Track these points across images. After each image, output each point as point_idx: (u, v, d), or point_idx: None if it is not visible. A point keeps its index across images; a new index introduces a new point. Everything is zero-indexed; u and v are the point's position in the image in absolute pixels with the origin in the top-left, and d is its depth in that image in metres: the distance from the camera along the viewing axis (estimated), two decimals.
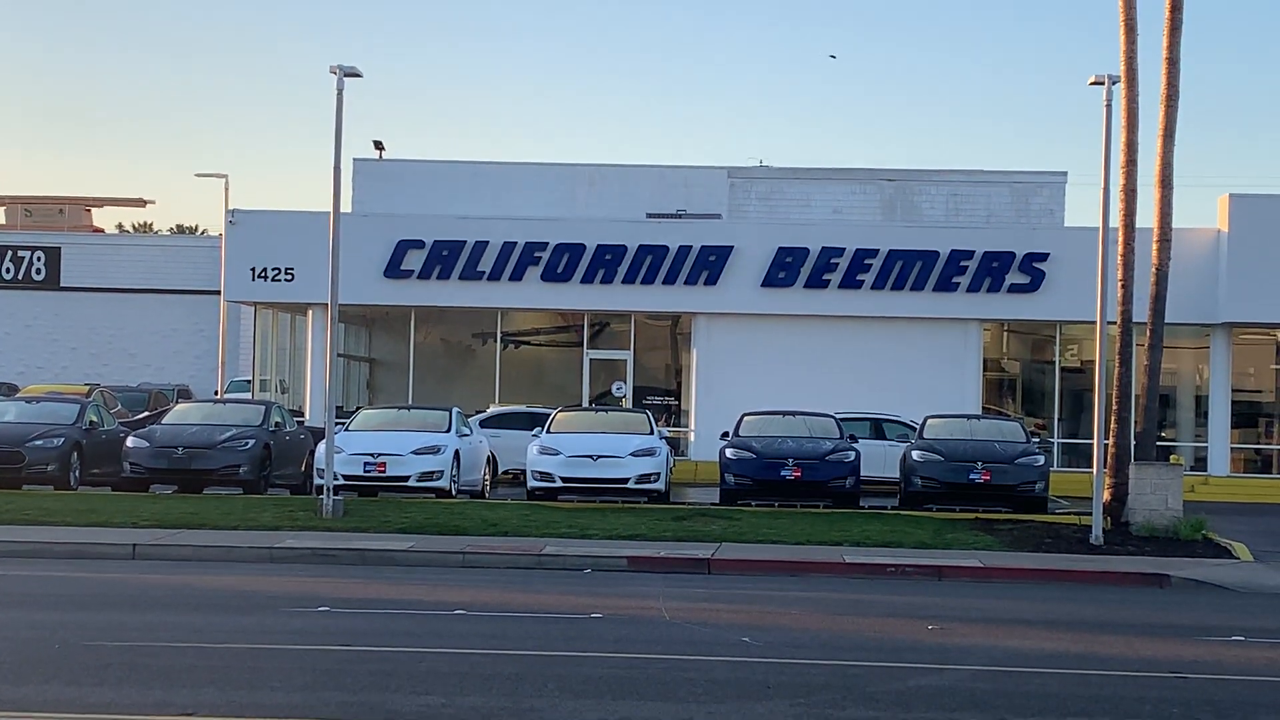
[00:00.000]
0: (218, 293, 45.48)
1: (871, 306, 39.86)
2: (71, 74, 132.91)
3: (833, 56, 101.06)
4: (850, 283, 39.75)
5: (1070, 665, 14.38)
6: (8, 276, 59.00)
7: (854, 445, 30.90)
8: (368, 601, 17.90)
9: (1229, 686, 13.49)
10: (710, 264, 40.10)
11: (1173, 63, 28.10)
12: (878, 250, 39.76)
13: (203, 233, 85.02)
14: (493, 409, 37.94)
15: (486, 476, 31.93)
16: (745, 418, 32.23)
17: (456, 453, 29.76)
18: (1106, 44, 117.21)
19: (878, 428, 36.35)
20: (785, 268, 39.96)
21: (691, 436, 40.68)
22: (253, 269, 40.60)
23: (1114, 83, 25.77)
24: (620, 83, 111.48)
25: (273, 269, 40.37)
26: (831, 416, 32.48)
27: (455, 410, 31.35)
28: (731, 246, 40.14)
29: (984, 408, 39.80)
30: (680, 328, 42.24)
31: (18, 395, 38.26)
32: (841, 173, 47.60)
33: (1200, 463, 39.73)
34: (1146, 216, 28.61)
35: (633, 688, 12.80)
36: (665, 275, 40.11)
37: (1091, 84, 25.73)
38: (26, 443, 29.63)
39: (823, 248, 39.87)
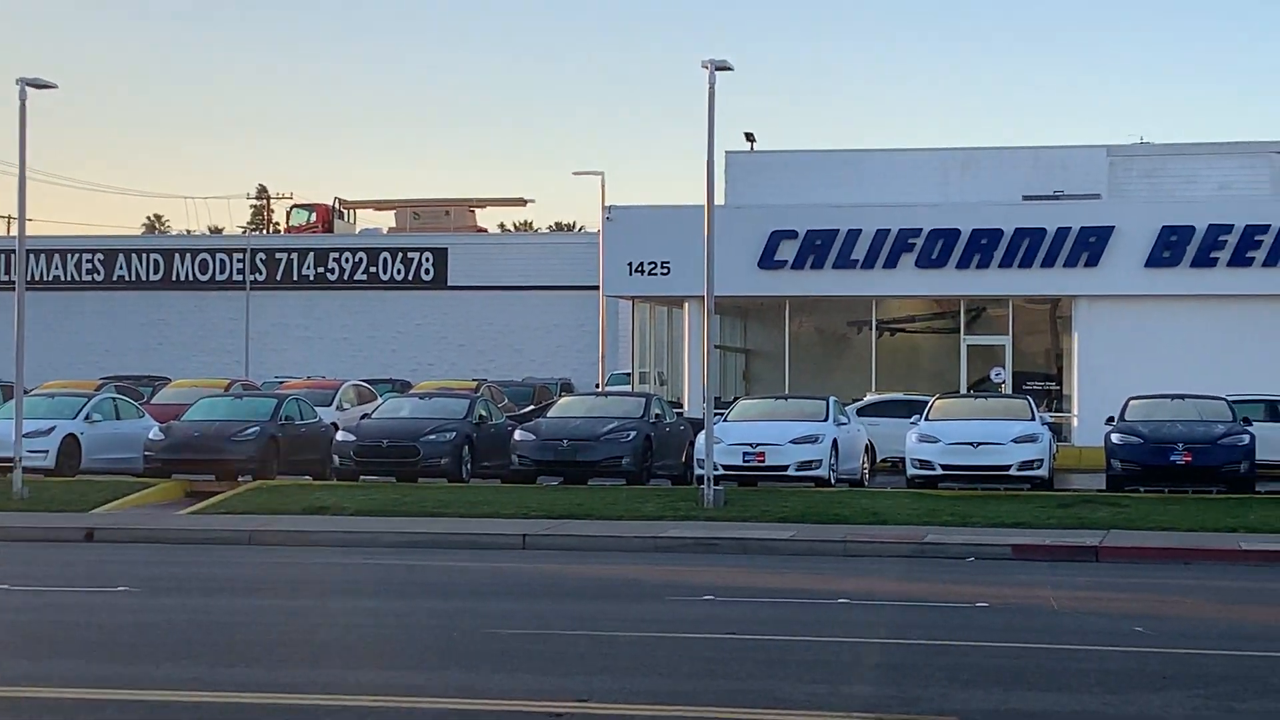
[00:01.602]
0: (596, 288, 46.46)
1: (1263, 284, 38.34)
2: (449, 81, 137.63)
3: None
4: (1240, 260, 38.31)
5: None
6: (399, 277, 61.45)
7: (1248, 429, 29.75)
8: (751, 590, 18.05)
9: None
10: (1090, 245, 39.16)
11: None
12: (1269, 226, 38.21)
13: (581, 230, 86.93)
14: (869, 397, 37.82)
15: (865, 465, 31.84)
16: (1131, 401, 31.36)
17: (834, 441, 29.75)
18: None
19: (1273, 409, 34.90)
20: (1170, 247, 38.76)
21: (1074, 422, 39.80)
22: (630, 264, 41.34)
23: None
24: (992, 65, 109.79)
25: (649, 263, 41.03)
26: (1223, 399, 31.35)
27: (832, 399, 31.34)
28: (1112, 227, 39.12)
29: None
30: (1060, 311, 41.38)
31: (411, 391, 39.75)
32: (1227, 147, 45.98)
33: None
34: None
35: (1023, 678, 12.60)
36: (1043, 258, 39.33)
37: None
38: (421, 438, 30.74)
39: (1209, 225, 38.52)
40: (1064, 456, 35.66)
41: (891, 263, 40.09)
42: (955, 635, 14.69)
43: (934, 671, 12.80)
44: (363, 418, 32.80)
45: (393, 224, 69.38)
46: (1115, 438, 29.69)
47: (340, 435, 31.34)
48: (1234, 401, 31.77)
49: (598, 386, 48.23)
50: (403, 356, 59.99)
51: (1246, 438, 29.22)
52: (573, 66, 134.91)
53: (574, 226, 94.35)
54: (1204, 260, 38.48)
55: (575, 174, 71.19)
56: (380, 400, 35.93)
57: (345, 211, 70.75)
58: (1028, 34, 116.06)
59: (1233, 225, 38.35)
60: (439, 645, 14.09)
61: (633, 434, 30.31)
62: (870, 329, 42.04)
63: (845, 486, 29.77)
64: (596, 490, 28.44)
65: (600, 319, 49.58)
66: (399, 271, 61.30)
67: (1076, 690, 12.15)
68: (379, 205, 72.54)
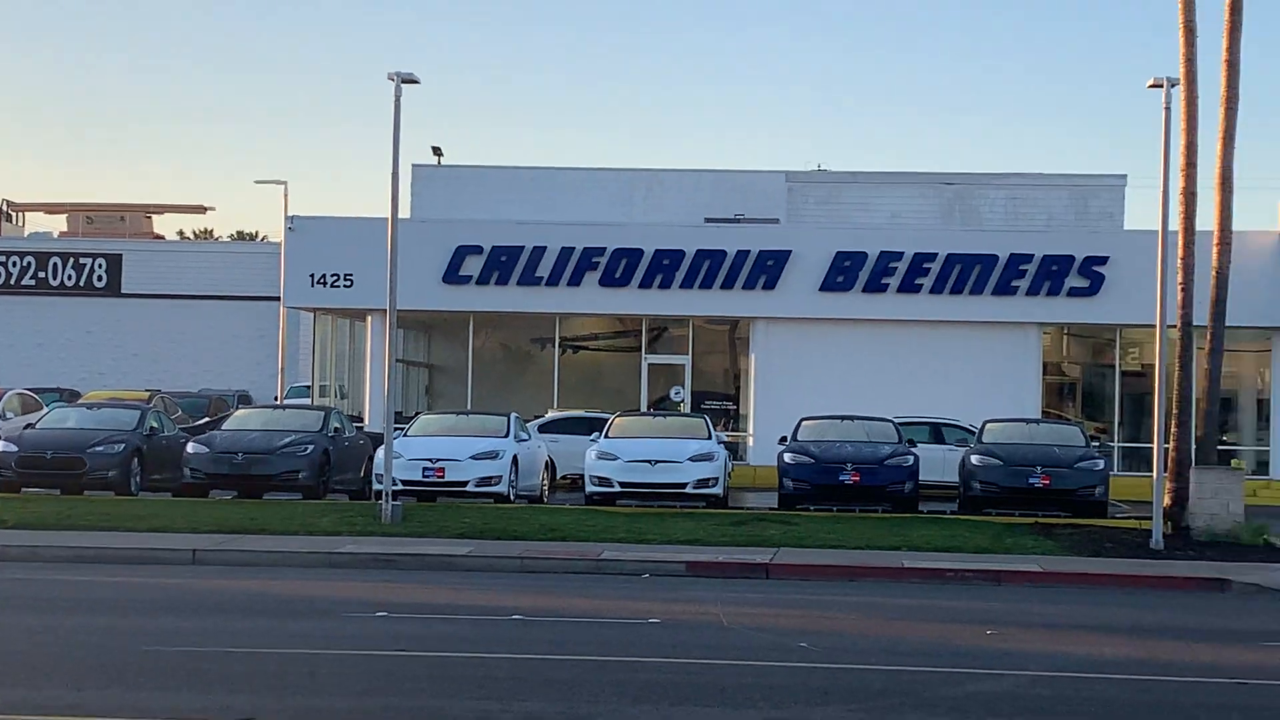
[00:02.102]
0: (278, 299, 45.73)
1: (930, 310, 39.72)
2: (130, 82, 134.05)
3: None
4: (909, 286, 39.62)
5: (1129, 671, 14.29)
6: (69, 283, 59.51)
7: (912, 450, 30.83)
8: (426, 606, 17.96)
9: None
10: (768, 268, 40.05)
11: (1232, 65, 27.88)
12: (936, 254, 39.61)
13: (263, 239, 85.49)
14: (551, 414, 38.01)
15: (545, 481, 31.99)
16: (804, 422, 32.20)
17: (515, 458, 29.83)
18: (1166, 46, 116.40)
19: (937, 432, 36.22)
20: (843, 272, 39.88)
21: (750, 441, 40.63)
22: (312, 275, 40.79)
23: (1173, 85, 25.61)
24: (679, 88, 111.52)
25: (332, 275, 40.56)
26: (890, 421, 32.42)
27: (513, 415, 31.43)
28: (790, 251, 40.08)
29: (1044, 412, 39.58)
30: (739, 332, 42.20)
31: (79, 401, 38.55)
32: (900, 176, 47.49)
33: (1262, 466, 39.37)
34: (1206, 219, 28.44)
35: (690, 693, 12.80)
36: (723, 280, 40.08)
37: (1150, 87, 25.57)
38: (87, 449, 29.88)
39: (881, 251, 39.77)
40: (739, 475, 36.40)
41: (576, 280, 40.39)
42: (627, 651, 14.84)
43: (603, 687, 12.91)
44: (26, 427, 31.71)
45: (64, 228, 67.19)
46: (787, 457, 30.43)
47: (1, 445, 30.24)
48: (901, 424, 32.89)
49: (277, 399, 47.46)
50: (73, 365, 58.10)
51: (911, 459, 30.26)
52: (259, 72, 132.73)
53: (257, 236, 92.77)
54: (875, 285, 39.69)
55: (258, 182, 69.64)
56: (46, 410, 34.78)
57: (14, 214, 68.27)
58: (714, 59, 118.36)
59: (903, 253, 39.65)
60: (100, 663, 13.68)
61: (310, 448, 29.93)
62: (554, 346, 42.27)
63: (525, 503, 29.85)
64: (272, 505, 27.98)
65: (280, 330, 48.81)
66: (70, 277, 59.35)
67: (742, 705, 12.39)
68: (50, 208, 70.14)
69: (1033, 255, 39.35)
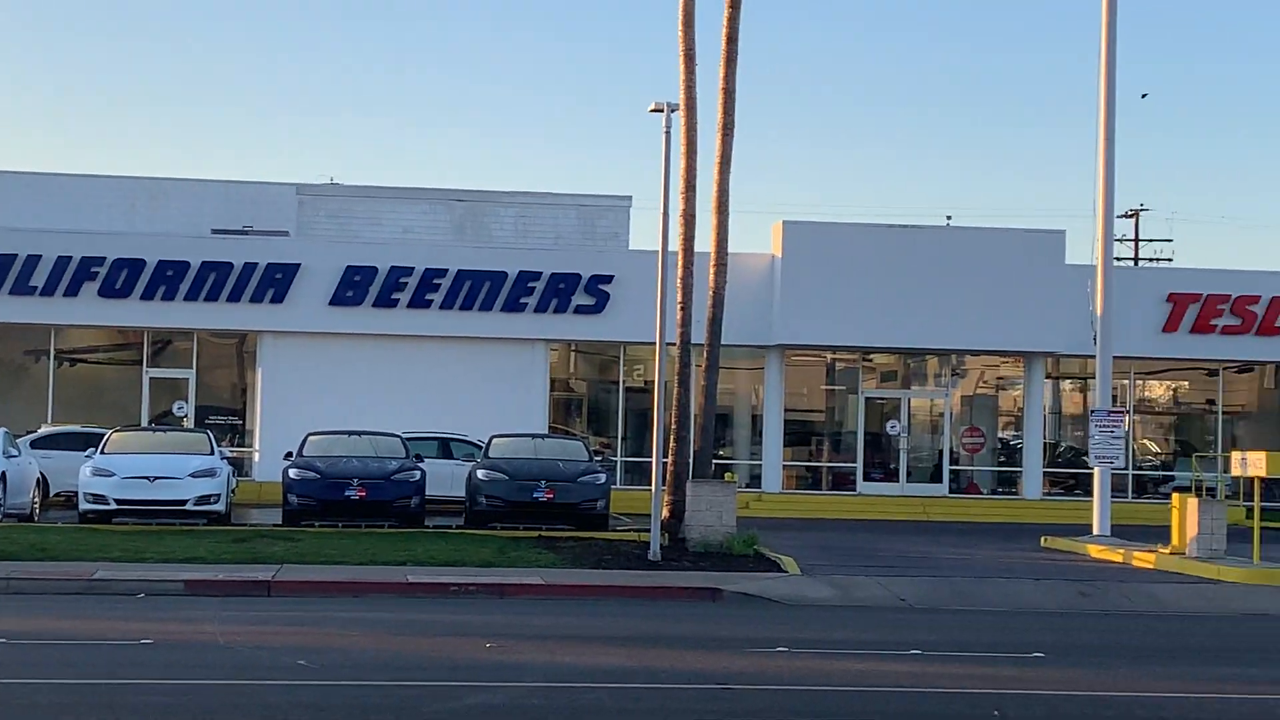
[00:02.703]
0: None
1: (440, 326, 39.90)
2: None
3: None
4: (419, 302, 39.71)
5: (623, 679, 14.64)
6: None
7: (419, 464, 30.90)
8: None
9: (771, 696, 13.94)
10: (277, 281, 39.47)
11: (729, 93, 29.04)
12: (446, 270, 39.82)
13: None
14: (44, 429, 36.46)
15: (36, 499, 30.65)
16: (310, 437, 31.88)
17: (3, 474, 28.48)
18: (672, 71, 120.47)
19: (445, 447, 36.41)
20: (354, 286, 39.67)
21: (256, 456, 39.93)
22: None
23: (673, 110, 26.48)
24: (186, 96, 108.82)
25: None
26: (398, 436, 32.42)
27: (3, 431, 30.01)
28: (299, 264, 39.61)
29: (551, 427, 40.29)
30: (247, 345, 41.43)
31: None
32: (412, 192, 47.58)
33: (756, 479, 41.08)
34: (706, 241, 29.48)
35: (180, 714, 12.44)
36: (230, 292, 39.29)
37: (652, 111, 26.36)
38: None
39: (391, 267, 39.73)
40: (244, 491, 35.75)
41: (73, 291, 38.90)
42: (116, 673, 14.34)
43: (89, 712, 12.42)
44: None
45: None
46: (293, 473, 30.07)
47: None
48: (409, 438, 32.94)
49: None
50: None
51: (418, 474, 30.36)
52: None
53: None
54: (386, 300, 39.62)
55: None
56: None
57: None
58: (228, 68, 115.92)
59: (413, 268, 39.71)
60: None
61: None
62: (49, 358, 40.59)
63: (14, 522, 28.52)
64: None
65: None
66: None
67: None
68: None
69: (541, 273, 40.01)
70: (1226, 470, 29.07)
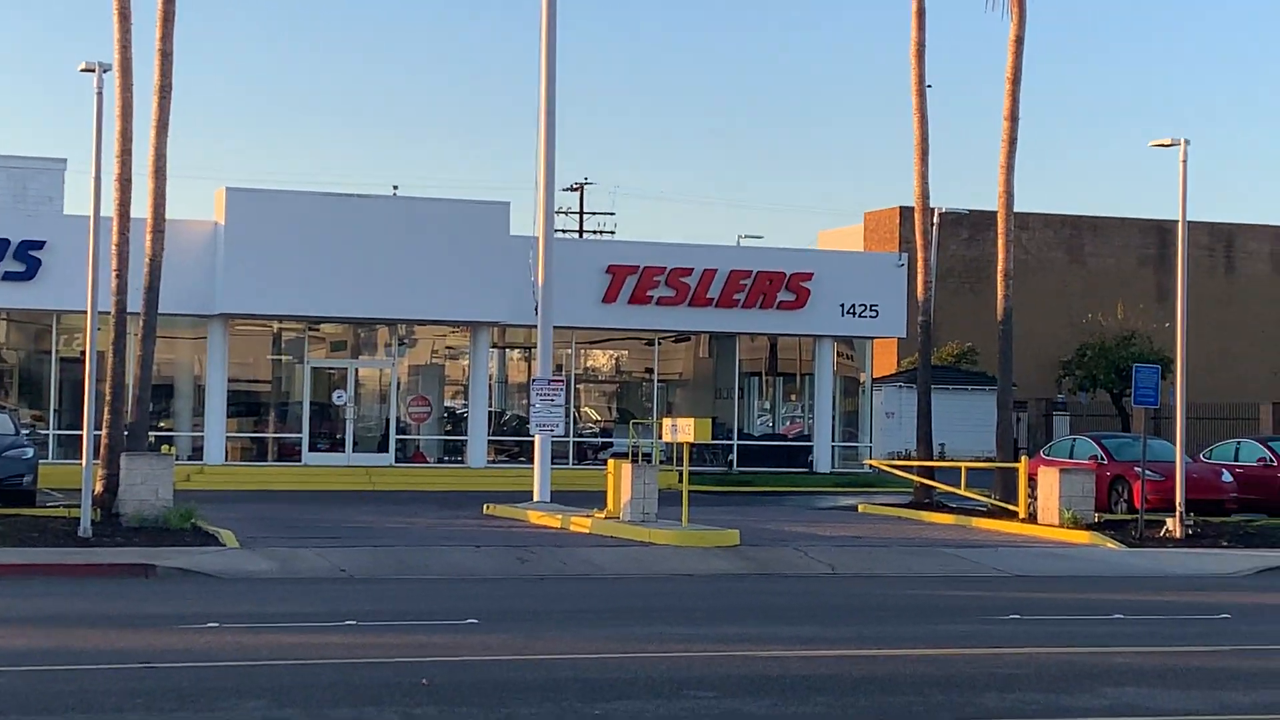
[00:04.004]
0: None
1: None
2: None
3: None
4: None
5: (39, 662, 14.02)
6: None
7: (31, 443, 30.40)
8: None
9: (198, 673, 13.58)
10: None
11: (166, 55, 28.19)
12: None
13: None
14: None
15: None
16: None
17: None
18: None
19: None
20: None
21: None
22: None
23: (106, 70, 25.49)
24: None
25: None
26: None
27: None
28: None
29: None
30: None
31: None
32: None
33: (200, 451, 40.14)
34: (145, 207, 28.58)
35: None
36: None
37: (83, 71, 25.29)
38: None
39: None
40: None
41: None
42: None
43: None
44: None
45: None
46: None
47: None
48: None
49: None
50: None
51: (30, 451, 29.32)
52: None
53: None
54: None
55: None
56: None
57: None
58: None
59: None
60: None
61: None
62: None
63: None
64: None
65: None
66: None
67: None
68: None
69: None
70: (661, 436, 30.14)
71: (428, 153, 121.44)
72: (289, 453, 41.33)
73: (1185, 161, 29.87)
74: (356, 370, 42.25)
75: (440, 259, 40.06)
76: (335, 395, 41.63)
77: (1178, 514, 28.48)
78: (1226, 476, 33.95)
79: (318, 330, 42.39)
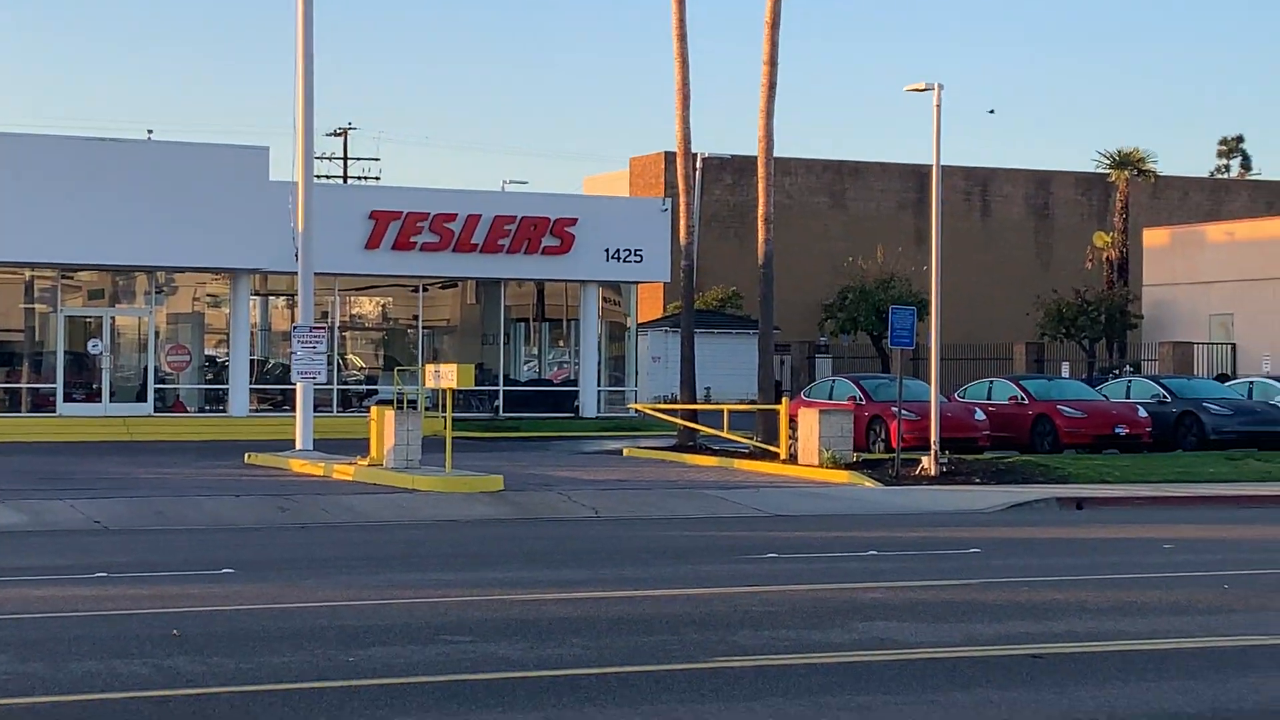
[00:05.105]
0: None
1: None
2: None
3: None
4: None
5: None
6: None
7: None
8: None
9: None
10: None
11: None
12: None
13: None
14: None
15: None
16: None
17: None
18: None
19: None
20: None
21: None
22: None
23: None
24: None
25: None
26: None
27: None
28: None
29: None
30: None
31: None
32: None
33: None
34: None
35: None
36: None
37: None
38: None
39: None
40: None
41: None
42: None
43: None
44: None
45: None
46: None
47: None
48: None
49: None
50: None
51: None
52: None
53: None
54: None
55: None
56: None
57: None
58: None
59: None
60: None
61: None
62: None
63: None
64: None
65: None
66: None
67: None
68: None
69: None
70: (426, 383, 29.96)
71: (189, 99, 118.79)
72: (43, 404, 40.24)
73: (939, 106, 30.51)
74: (113, 319, 41.26)
75: (198, 205, 39.21)
76: (90, 344, 40.61)
77: (932, 452, 29.18)
78: (979, 415, 34.87)
79: (73, 278, 41.29)
